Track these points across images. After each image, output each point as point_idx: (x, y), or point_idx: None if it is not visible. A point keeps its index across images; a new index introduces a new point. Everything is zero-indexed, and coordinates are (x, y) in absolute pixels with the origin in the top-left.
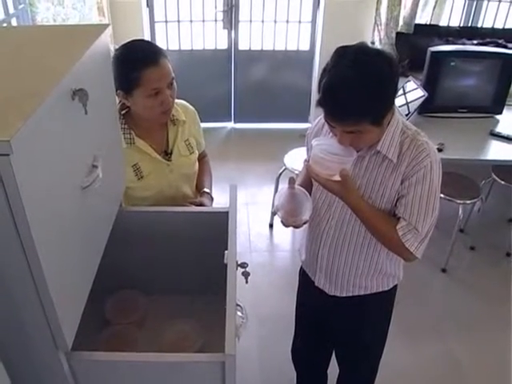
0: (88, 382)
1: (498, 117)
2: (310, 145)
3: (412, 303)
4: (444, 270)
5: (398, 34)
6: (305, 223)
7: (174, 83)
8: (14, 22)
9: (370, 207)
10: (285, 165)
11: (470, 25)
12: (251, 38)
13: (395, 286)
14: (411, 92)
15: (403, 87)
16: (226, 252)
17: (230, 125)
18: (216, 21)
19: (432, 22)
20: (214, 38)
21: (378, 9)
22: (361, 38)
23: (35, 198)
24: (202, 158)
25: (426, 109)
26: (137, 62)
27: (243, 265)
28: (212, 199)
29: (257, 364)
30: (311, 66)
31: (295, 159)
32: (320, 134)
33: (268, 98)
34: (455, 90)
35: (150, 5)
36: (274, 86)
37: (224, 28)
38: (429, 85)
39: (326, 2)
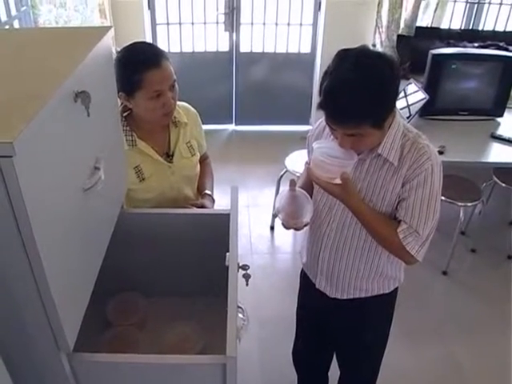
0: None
1: (499, 119)
2: (311, 147)
3: (413, 305)
4: (445, 273)
5: (399, 36)
6: (306, 225)
7: (176, 85)
8: (16, 24)
9: (370, 210)
10: (286, 167)
11: (471, 27)
12: (252, 41)
13: (396, 289)
14: (412, 94)
15: (404, 90)
16: (227, 254)
17: (231, 127)
18: (217, 23)
19: (433, 25)
20: (215, 41)
21: (379, 11)
22: (362, 40)
23: (37, 200)
24: (203, 160)
25: (427, 111)
26: (139, 64)
27: (244, 267)
28: (213, 201)
29: (258, 366)
30: (312, 69)
31: (296, 161)
32: (321, 136)
33: (269, 100)
34: (456, 93)
35: (151, 7)
36: (275, 89)
37: (225, 30)
38: (430, 87)
39: (327, 4)
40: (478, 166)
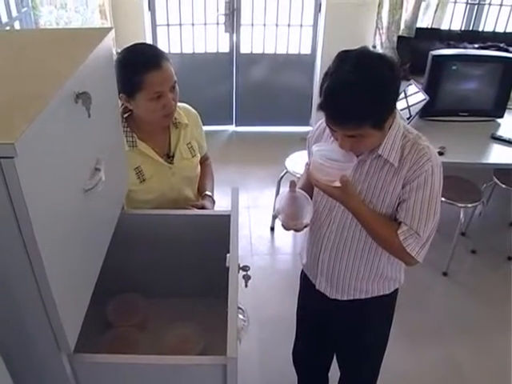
0: None
1: (499, 120)
2: (311, 150)
3: (413, 306)
4: (445, 274)
5: (399, 37)
6: (305, 227)
7: (177, 87)
8: (17, 26)
9: (370, 212)
10: (286, 168)
11: (471, 29)
12: (253, 42)
13: (396, 290)
14: (412, 95)
15: (404, 91)
16: (227, 255)
17: (232, 128)
18: (218, 24)
19: (433, 26)
20: (215, 42)
21: (379, 12)
22: (362, 41)
23: (38, 200)
24: (204, 161)
25: (428, 112)
26: (139, 65)
27: (245, 268)
28: (214, 202)
29: (258, 367)
30: (312, 70)
31: (296, 162)
32: (321, 137)
33: (269, 101)
34: (456, 94)
35: (151, 8)
36: (275, 90)
37: (226, 31)
38: (430, 88)
39: (328, 5)
40: (478, 166)
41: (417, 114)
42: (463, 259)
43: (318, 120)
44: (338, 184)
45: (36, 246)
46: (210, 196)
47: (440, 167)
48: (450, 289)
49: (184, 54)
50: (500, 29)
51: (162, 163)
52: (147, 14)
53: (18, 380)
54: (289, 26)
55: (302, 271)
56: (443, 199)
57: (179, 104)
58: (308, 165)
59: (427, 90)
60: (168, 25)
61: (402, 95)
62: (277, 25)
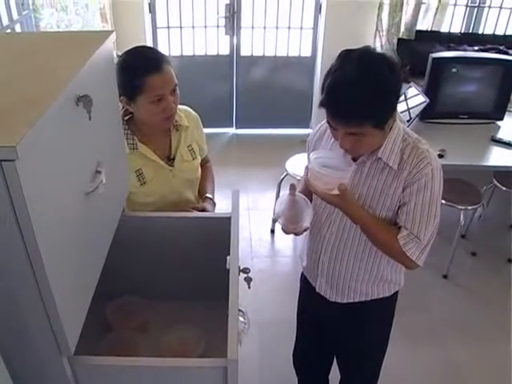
0: None
1: (499, 123)
2: (309, 157)
3: (413, 309)
4: (445, 276)
5: (399, 40)
6: (305, 230)
7: (177, 89)
8: (18, 28)
9: (370, 217)
10: (286, 170)
11: (471, 31)
12: (253, 44)
13: (396, 293)
14: (412, 98)
15: (404, 93)
16: (228, 257)
17: (232, 130)
18: (218, 27)
19: (433, 29)
20: (216, 44)
21: (379, 15)
22: (362, 43)
23: (39, 203)
24: (204, 164)
25: (428, 115)
26: (140, 68)
27: (245, 270)
28: (214, 204)
29: (258, 369)
30: (313, 72)
31: (297, 165)
32: (321, 140)
33: (269, 103)
34: (456, 96)
35: (152, 10)
36: (275, 92)
37: (226, 34)
38: (430, 91)
39: (328, 8)
40: (478, 169)
41: (417, 116)
42: (463, 262)
43: (318, 123)
44: (336, 192)
45: (37, 248)
46: (210, 198)
47: (440, 171)
48: (450, 291)
49: (184, 56)
50: (500, 31)
51: (162, 166)
52: (148, 17)
53: (19, 382)
54: (289, 28)
55: (302, 274)
56: (443, 201)
57: (180, 106)
58: (307, 169)
59: (427, 92)
60: (168, 27)
61: (402, 98)
62: (277, 27)
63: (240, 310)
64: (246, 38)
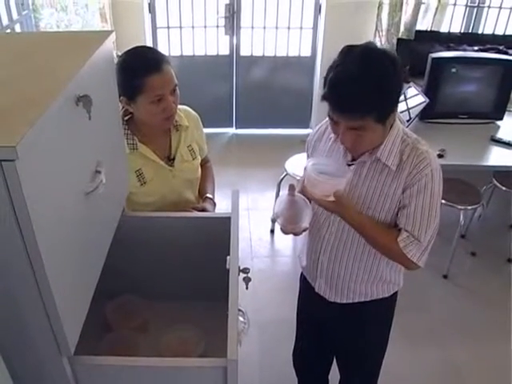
0: None
1: (498, 123)
2: (306, 165)
3: (413, 309)
4: (445, 276)
5: (398, 40)
6: (304, 230)
7: (177, 90)
8: (17, 28)
9: (368, 221)
10: (286, 170)
11: (470, 31)
12: (253, 44)
13: (396, 293)
14: (412, 98)
15: (404, 93)
16: (228, 257)
17: (232, 130)
18: (218, 27)
19: (433, 28)
20: (215, 44)
21: (378, 15)
22: None
23: (39, 203)
24: (204, 164)
25: (427, 115)
26: (140, 68)
27: (245, 270)
28: (215, 204)
29: (258, 369)
30: (312, 72)
31: (296, 165)
32: (320, 141)
33: (269, 103)
34: (456, 96)
35: (152, 11)
36: (275, 92)
37: (226, 34)
38: (430, 91)
39: (328, 8)
40: (478, 169)
41: (416, 116)
42: (463, 262)
43: (318, 123)
44: (332, 199)
45: (37, 247)
46: (210, 198)
47: (440, 171)
48: (449, 291)
49: (184, 56)
50: (499, 31)
51: (162, 166)
52: (147, 17)
53: (19, 382)
54: (289, 28)
55: (302, 274)
56: (443, 201)
57: (180, 106)
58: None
59: (427, 92)
60: (168, 27)
61: (402, 97)
62: (277, 27)
63: (240, 310)
64: (245, 38)
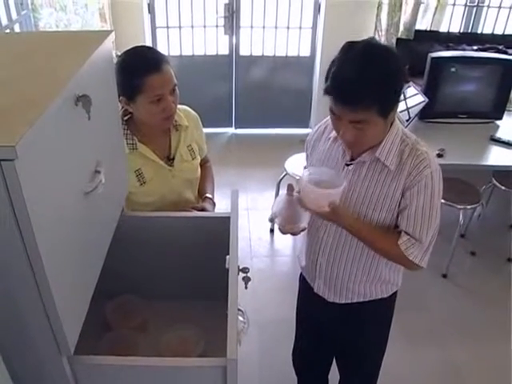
0: None
1: (498, 122)
2: (302, 175)
3: (413, 308)
4: (445, 276)
5: (398, 39)
6: (302, 230)
7: (177, 89)
8: (17, 28)
9: (365, 226)
10: (285, 170)
11: (470, 31)
12: (252, 44)
13: (395, 293)
14: (412, 97)
15: (404, 93)
16: (227, 257)
17: (231, 130)
18: (217, 26)
19: (432, 28)
20: (215, 44)
21: (378, 14)
22: None
23: (39, 203)
24: (204, 164)
25: (427, 114)
26: (139, 68)
27: (245, 270)
28: (214, 204)
29: (258, 369)
30: (312, 72)
31: (296, 165)
32: (319, 141)
33: (269, 103)
34: (455, 96)
35: (151, 10)
36: (274, 92)
37: (225, 33)
38: (429, 90)
39: (327, 7)
40: (477, 168)
41: (416, 115)
42: (463, 261)
43: (318, 122)
44: (327, 209)
45: (36, 247)
46: (210, 198)
47: (439, 172)
48: (449, 291)
49: (183, 56)
50: (499, 31)
51: (162, 166)
52: (147, 17)
53: (18, 381)
54: (288, 28)
55: (301, 274)
56: (443, 201)
57: (179, 106)
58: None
59: (426, 92)
60: (168, 27)
61: (401, 97)
62: (276, 27)
63: (239, 310)
64: (245, 38)
